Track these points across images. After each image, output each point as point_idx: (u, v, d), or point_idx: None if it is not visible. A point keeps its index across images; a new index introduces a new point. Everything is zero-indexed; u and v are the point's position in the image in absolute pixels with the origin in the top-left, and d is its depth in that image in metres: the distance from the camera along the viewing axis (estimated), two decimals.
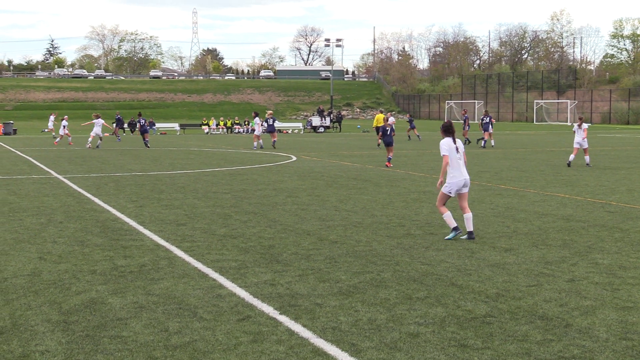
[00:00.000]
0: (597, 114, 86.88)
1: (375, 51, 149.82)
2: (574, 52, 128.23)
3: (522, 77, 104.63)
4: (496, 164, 25.00)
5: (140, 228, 11.75)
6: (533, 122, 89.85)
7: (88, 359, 5.68)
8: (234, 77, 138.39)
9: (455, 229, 10.63)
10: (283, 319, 6.70)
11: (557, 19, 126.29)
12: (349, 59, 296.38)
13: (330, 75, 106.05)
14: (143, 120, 39.01)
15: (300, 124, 66.11)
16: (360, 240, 10.64)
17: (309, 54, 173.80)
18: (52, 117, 50.49)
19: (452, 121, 11.53)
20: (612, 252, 9.81)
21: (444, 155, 10.68)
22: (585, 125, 23.51)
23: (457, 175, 10.67)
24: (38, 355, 5.76)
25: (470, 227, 10.68)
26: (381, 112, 39.69)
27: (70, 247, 10.15)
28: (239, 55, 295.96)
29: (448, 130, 10.87)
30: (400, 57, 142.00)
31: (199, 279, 8.29)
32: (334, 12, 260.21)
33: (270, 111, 39.58)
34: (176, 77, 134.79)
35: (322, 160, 27.29)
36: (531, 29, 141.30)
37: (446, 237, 10.70)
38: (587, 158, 23.79)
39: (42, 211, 13.69)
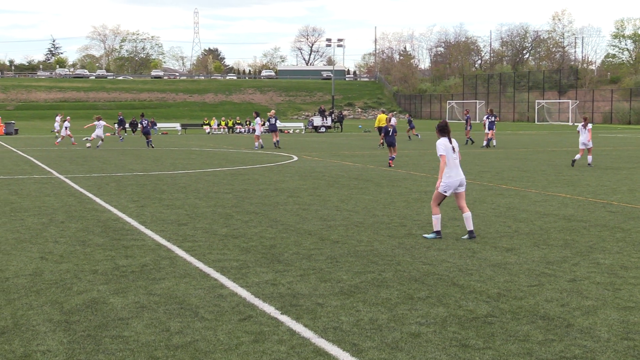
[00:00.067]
0: (599, 114, 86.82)
1: (377, 51, 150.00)
2: (575, 52, 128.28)
3: (524, 77, 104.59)
4: (497, 164, 25.00)
5: (142, 228, 11.75)
6: (534, 122, 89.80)
7: (89, 359, 5.68)
8: (235, 77, 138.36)
9: (437, 232, 10.75)
10: (284, 318, 6.70)
11: (559, 19, 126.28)
12: (350, 59, 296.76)
13: (332, 75, 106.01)
14: (146, 121, 39.02)
15: (301, 124, 66.13)
16: (361, 240, 10.65)
17: (310, 54, 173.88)
18: (58, 118, 50.46)
19: (448, 121, 11.56)
20: (613, 252, 9.80)
21: (441, 155, 10.71)
22: (590, 126, 23.62)
23: (453, 175, 10.71)
24: (39, 355, 5.76)
25: (470, 226, 10.69)
26: (383, 112, 39.70)
27: (71, 247, 10.16)
28: (241, 55, 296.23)
29: (443, 130, 10.90)
30: (401, 57, 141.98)
31: (201, 278, 8.29)
32: (335, 12, 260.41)
33: (273, 111, 39.78)
34: (177, 77, 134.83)
35: (323, 160, 27.29)
36: (532, 28, 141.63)
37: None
38: (589, 158, 23.78)
39: (43, 211, 13.70)
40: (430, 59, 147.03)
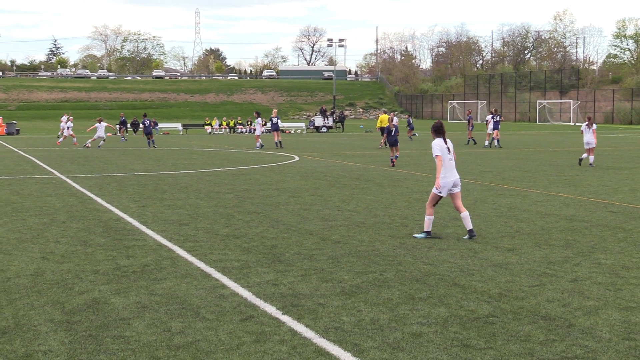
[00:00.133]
0: (600, 114, 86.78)
1: (378, 51, 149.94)
2: (576, 52, 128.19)
3: (525, 77, 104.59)
4: (499, 164, 24.99)
5: (143, 228, 11.76)
6: (536, 122, 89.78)
7: (91, 359, 5.69)
8: (236, 77, 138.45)
9: (427, 232, 10.76)
10: (286, 318, 6.70)
11: (560, 19, 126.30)
12: (351, 59, 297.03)
13: (333, 75, 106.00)
14: (148, 122, 39.04)
15: (302, 124, 66.17)
16: (362, 240, 10.64)
17: (311, 54, 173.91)
18: (64, 118, 50.37)
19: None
20: (615, 252, 9.80)
21: (436, 155, 10.73)
22: (594, 126, 23.74)
23: (448, 176, 10.74)
24: (41, 355, 5.76)
25: (469, 225, 10.69)
26: (385, 112, 39.72)
27: (73, 247, 10.16)
28: (242, 55, 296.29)
29: (439, 131, 10.91)
30: (402, 57, 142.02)
31: (202, 278, 8.29)
32: (337, 12, 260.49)
33: (275, 110, 39.90)
34: (179, 77, 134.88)
35: (324, 160, 27.29)
36: (534, 29, 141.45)
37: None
38: (591, 158, 23.77)
39: (44, 211, 13.70)
40: (432, 59, 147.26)
